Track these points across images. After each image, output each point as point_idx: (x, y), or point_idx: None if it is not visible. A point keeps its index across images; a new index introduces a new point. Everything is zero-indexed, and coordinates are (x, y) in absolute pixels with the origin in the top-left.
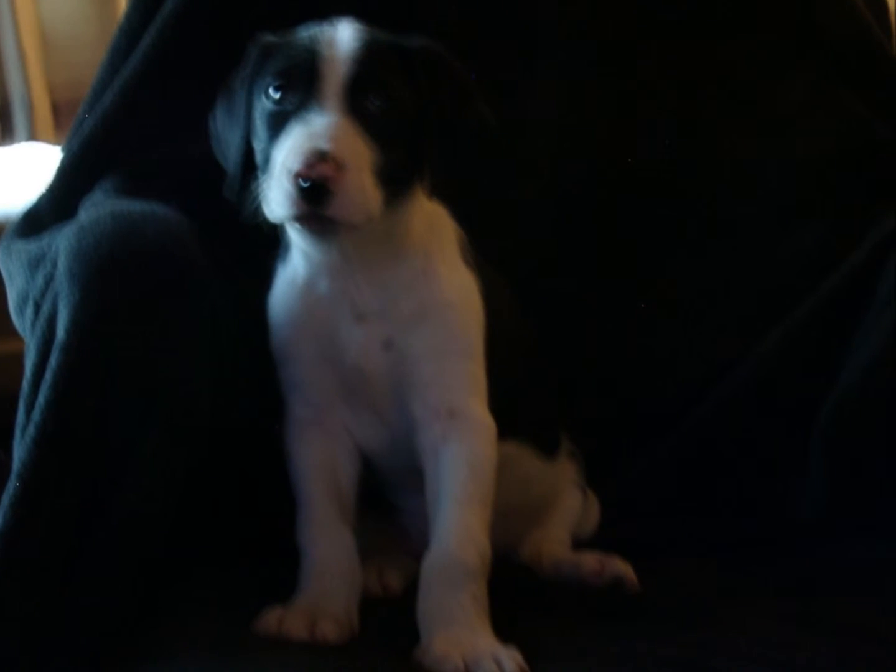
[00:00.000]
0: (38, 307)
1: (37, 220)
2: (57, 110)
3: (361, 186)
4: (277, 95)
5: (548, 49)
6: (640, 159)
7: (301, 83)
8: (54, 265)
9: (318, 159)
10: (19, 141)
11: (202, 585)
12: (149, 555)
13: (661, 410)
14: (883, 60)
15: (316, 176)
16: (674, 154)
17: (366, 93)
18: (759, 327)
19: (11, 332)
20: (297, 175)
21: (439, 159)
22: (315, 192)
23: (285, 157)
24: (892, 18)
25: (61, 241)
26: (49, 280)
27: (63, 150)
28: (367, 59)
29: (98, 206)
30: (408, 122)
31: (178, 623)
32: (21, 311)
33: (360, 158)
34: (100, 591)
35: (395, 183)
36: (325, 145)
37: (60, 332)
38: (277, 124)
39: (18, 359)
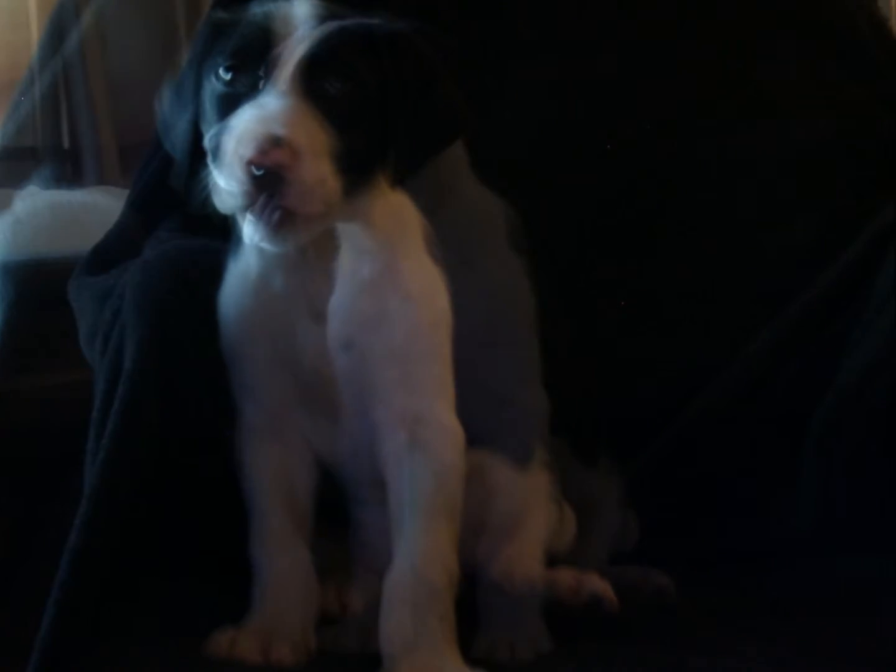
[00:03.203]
0: (106, 339)
1: (105, 257)
2: (124, 154)
3: (319, 175)
4: (228, 76)
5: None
6: (620, 146)
7: (254, 64)
8: (121, 299)
9: (272, 145)
10: (89, 184)
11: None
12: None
13: (642, 417)
14: (886, 44)
15: (270, 163)
16: (658, 140)
17: (324, 74)
18: (748, 327)
19: (82, 363)
20: (250, 162)
21: (404, 145)
22: (269, 181)
23: (237, 143)
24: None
25: (128, 277)
26: (116, 313)
27: (130, 191)
28: (326, 38)
29: (163, 243)
30: (370, 106)
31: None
32: (91, 342)
33: (318, 144)
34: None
35: (356, 171)
36: (279, 130)
37: (127, 363)
38: (228, 108)
39: (88, 388)
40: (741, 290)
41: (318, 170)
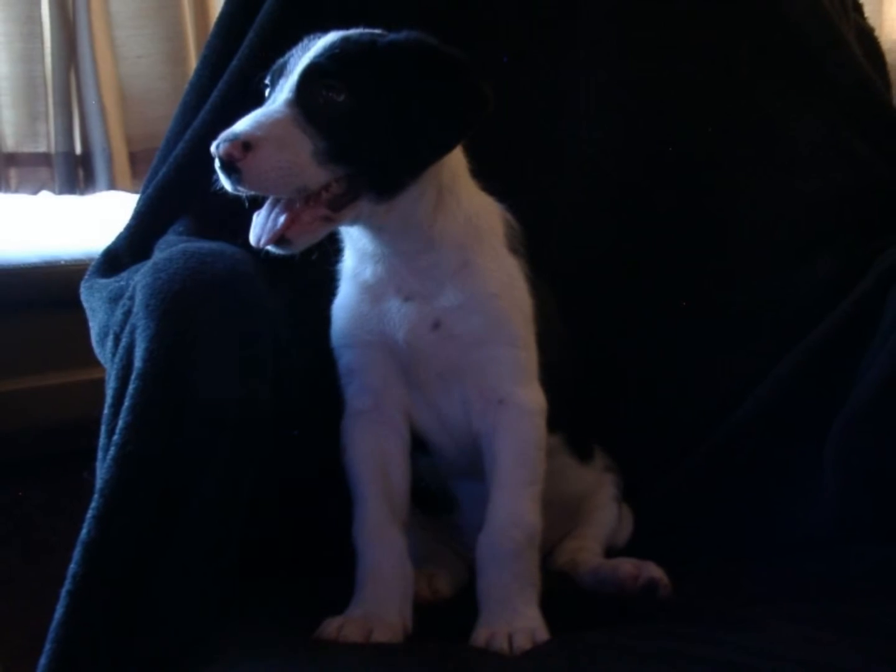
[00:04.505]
0: (117, 339)
1: (115, 260)
2: (134, 160)
3: (274, 163)
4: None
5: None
6: (665, 196)
7: (276, 77)
8: (132, 300)
9: (225, 141)
10: (100, 189)
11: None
12: (222, 563)
13: (683, 434)
14: (882, 109)
15: (223, 155)
16: (700, 186)
17: (324, 82)
18: (777, 349)
19: (93, 363)
20: (219, 157)
21: (402, 151)
22: (228, 171)
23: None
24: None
25: (139, 279)
26: (127, 314)
27: (140, 196)
28: (329, 48)
29: (171, 246)
30: (369, 113)
31: (249, 631)
32: (102, 342)
33: (288, 142)
34: (177, 597)
35: (354, 175)
36: (239, 129)
37: (138, 362)
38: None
39: (100, 386)
40: (770, 320)
41: (272, 158)
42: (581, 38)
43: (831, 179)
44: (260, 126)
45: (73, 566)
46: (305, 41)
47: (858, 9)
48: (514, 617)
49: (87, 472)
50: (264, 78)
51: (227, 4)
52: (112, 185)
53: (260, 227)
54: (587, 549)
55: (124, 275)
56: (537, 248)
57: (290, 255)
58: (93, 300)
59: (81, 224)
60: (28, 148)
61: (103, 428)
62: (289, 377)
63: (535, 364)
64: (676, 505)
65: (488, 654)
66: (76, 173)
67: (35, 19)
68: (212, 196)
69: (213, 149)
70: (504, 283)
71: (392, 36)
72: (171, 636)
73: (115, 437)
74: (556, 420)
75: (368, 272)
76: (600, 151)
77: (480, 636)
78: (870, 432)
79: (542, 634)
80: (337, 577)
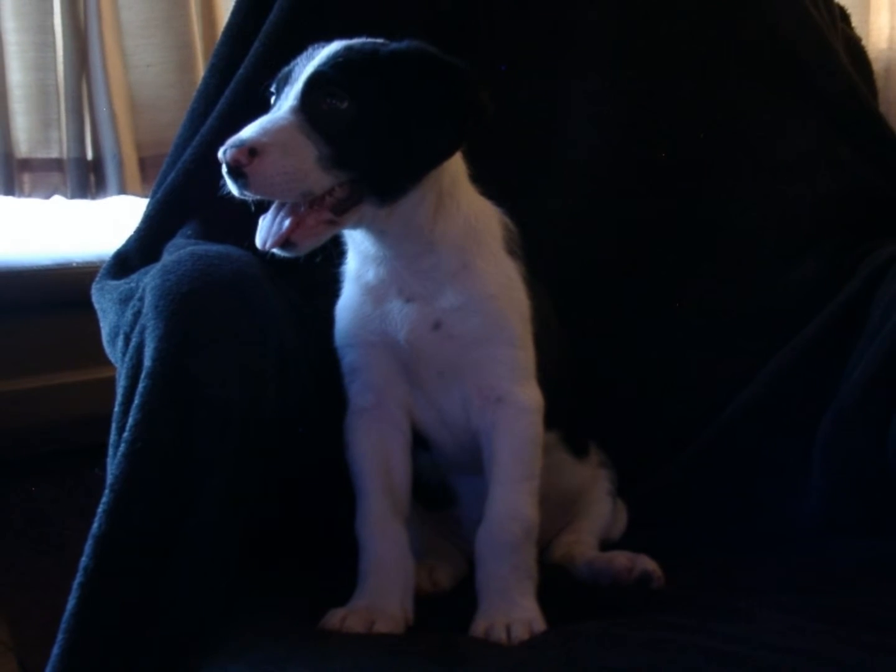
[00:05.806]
0: (127, 339)
1: (125, 262)
2: (144, 165)
3: (281, 168)
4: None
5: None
6: (657, 201)
7: (281, 85)
8: (142, 301)
9: (233, 147)
10: (111, 193)
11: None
12: (230, 557)
13: (675, 431)
14: (869, 116)
15: (230, 161)
16: (691, 192)
17: (327, 89)
18: (767, 349)
19: (104, 362)
20: (223, 163)
21: (403, 157)
22: (235, 176)
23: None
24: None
25: (148, 280)
26: (137, 314)
27: (149, 200)
28: (332, 56)
29: (179, 249)
30: (371, 120)
31: (254, 621)
32: (113, 342)
33: (292, 148)
34: (186, 589)
35: (356, 180)
36: (245, 135)
37: (147, 361)
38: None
39: (110, 385)
40: (761, 319)
41: (278, 164)
42: (576, 48)
43: (819, 185)
44: (266, 132)
45: (84, 559)
46: (310, 50)
47: (846, 18)
48: (512, 608)
49: (98, 468)
50: (270, 86)
51: (233, 15)
52: (122, 190)
53: (265, 231)
54: (583, 543)
55: (134, 277)
56: (534, 250)
57: (294, 258)
58: (104, 301)
59: (92, 227)
60: (41, 154)
61: (114, 425)
62: (293, 376)
63: (532, 363)
64: (669, 499)
65: (487, 644)
66: (87, 178)
67: (47, 29)
68: (219, 200)
69: (219, 155)
70: (502, 284)
71: (394, 45)
72: (180, 626)
73: (125, 434)
74: (553, 417)
75: (371, 274)
76: (595, 157)
77: (479, 627)
78: (856, 430)
79: (539, 625)
80: (340, 569)
